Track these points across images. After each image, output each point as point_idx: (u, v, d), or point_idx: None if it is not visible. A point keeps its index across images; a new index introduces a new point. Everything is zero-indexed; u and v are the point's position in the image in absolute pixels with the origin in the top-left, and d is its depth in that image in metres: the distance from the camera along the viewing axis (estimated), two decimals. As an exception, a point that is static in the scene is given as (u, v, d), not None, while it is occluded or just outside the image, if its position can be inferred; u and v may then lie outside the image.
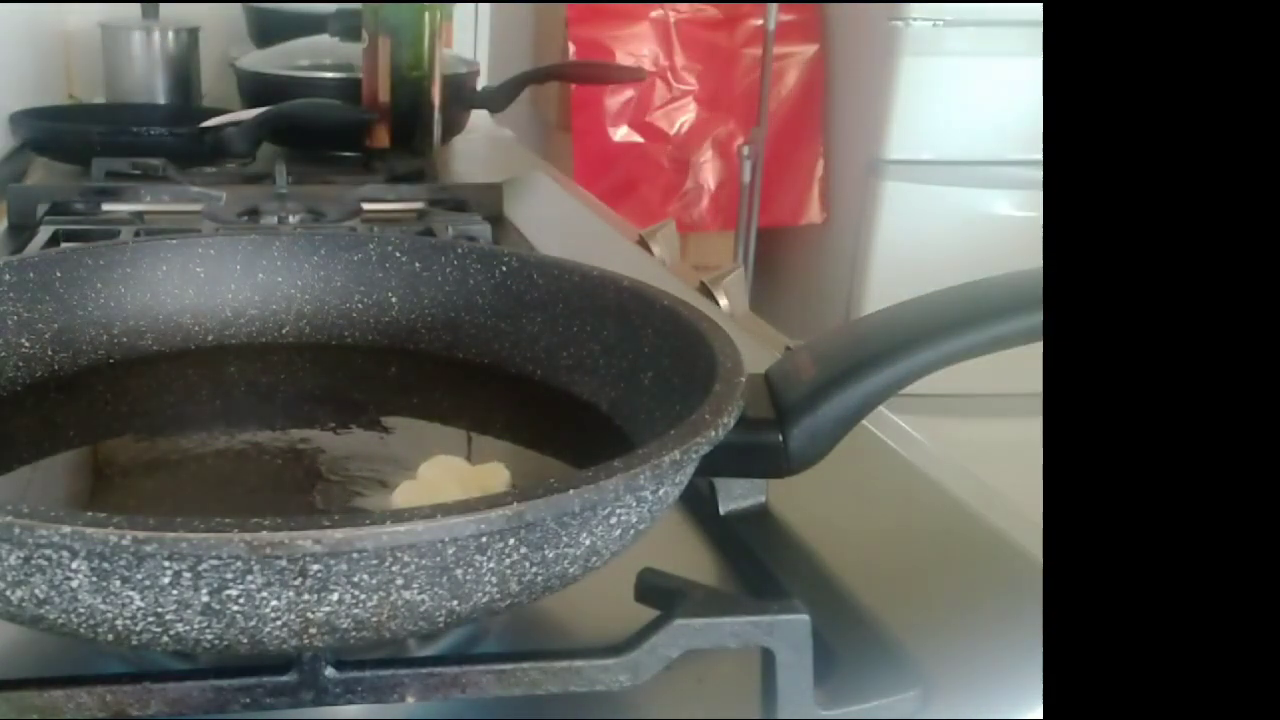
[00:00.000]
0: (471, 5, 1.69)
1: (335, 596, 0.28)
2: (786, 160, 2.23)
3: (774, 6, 2.07)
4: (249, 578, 0.27)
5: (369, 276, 0.51)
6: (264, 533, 0.26)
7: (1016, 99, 1.97)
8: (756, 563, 0.41)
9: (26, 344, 0.46)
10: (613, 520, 0.31)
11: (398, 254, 0.51)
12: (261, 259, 0.51)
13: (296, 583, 0.27)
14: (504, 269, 0.49)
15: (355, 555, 0.27)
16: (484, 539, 0.28)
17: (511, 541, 0.29)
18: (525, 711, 0.33)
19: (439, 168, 1.07)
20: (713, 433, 0.33)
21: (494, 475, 0.39)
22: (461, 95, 1.19)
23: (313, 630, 0.28)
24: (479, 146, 1.27)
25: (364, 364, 0.50)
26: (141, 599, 0.27)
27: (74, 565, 0.27)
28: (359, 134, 1.08)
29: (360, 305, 0.51)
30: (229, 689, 0.29)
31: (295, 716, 0.31)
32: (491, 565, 0.29)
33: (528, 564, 0.30)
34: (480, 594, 0.29)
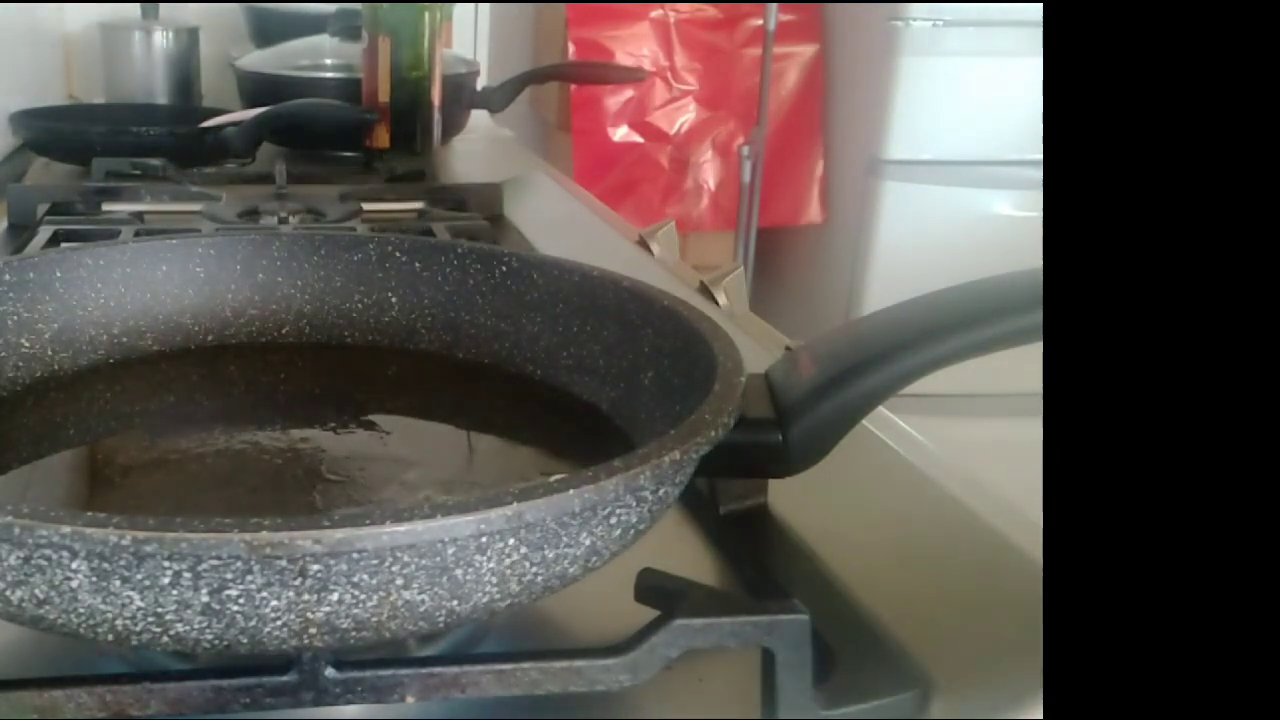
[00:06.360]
0: (471, 5, 1.69)
1: (335, 596, 0.28)
2: (786, 160, 2.23)
3: (774, 6, 2.07)
4: (249, 578, 0.27)
5: (369, 276, 0.51)
6: (264, 533, 0.26)
7: (1016, 99, 1.96)
8: (756, 563, 0.41)
9: (26, 344, 0.46)
10: (613, 520, 0.31)
11: (398, 254, 0.51)
12: (261, 259, 0.51)
13: (296, 583, 0.27)
14: (504, 269, 0.49)
15: (355, 555, 0.27)
16: (484, 539, 0.28)
17: (511, 541, 0.29)
18: (525, 711, 0.33)
19: (439, 168, 1.07)
20: (713, 433, 0.33)
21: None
22: (461, 95, 1.19)
23: (313, 630, 0.28)
24: (479, 146, 1.27)
25: (364, 364, 0.50)
26: (141, 599, 0.27)
27: (74, 565, 0.27)
28: (359, 134, 1.08)
29: (360, 305, 0.51)
30: (229, 689, 0.29)
31: (295, 716, 0.31)
32: (491, 565, 0.29)
33: (528, 564, 0.30)
34: (480, 594, 0.29)
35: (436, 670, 0.30)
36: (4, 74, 1.15)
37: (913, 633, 0.37)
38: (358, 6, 1.11)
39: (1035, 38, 1.79)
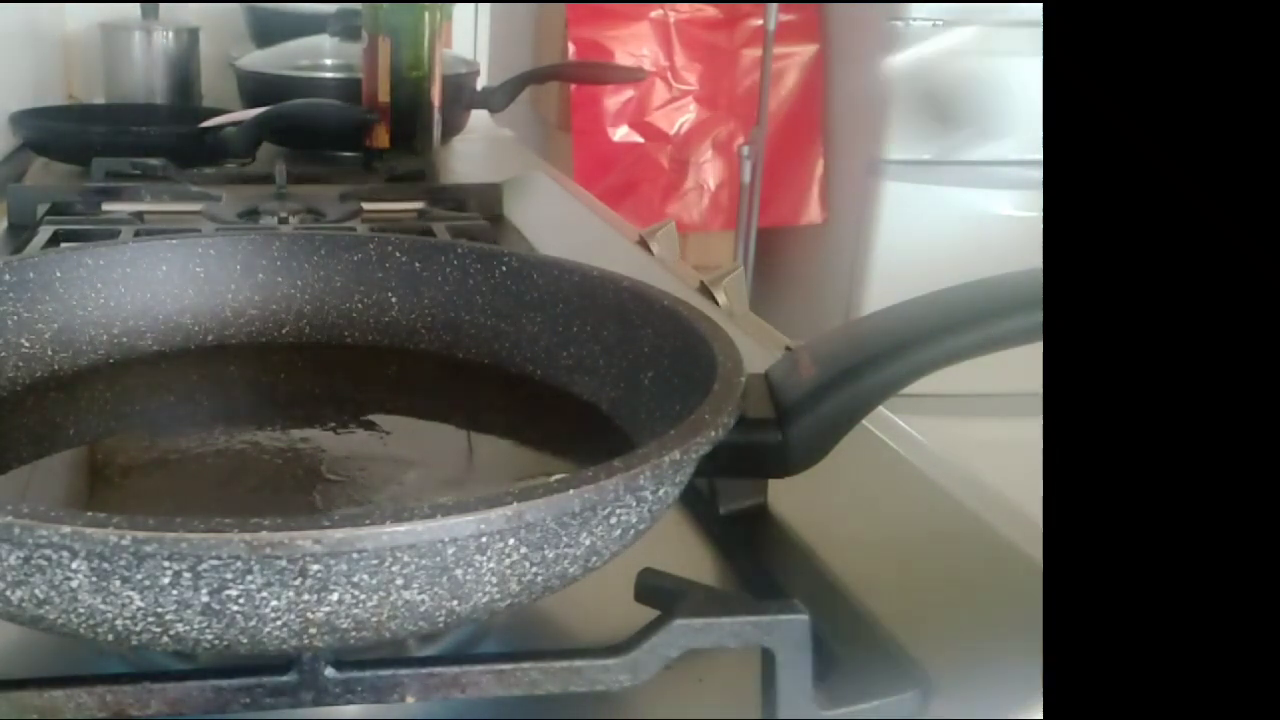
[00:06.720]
0: (471, 5, 1.69)
1: (335, 596, 0.28)
2: (786, 160, 2.22)
3: (774, 6, 2.07)
4: (249, 578, 0.27)
5: (369, 276, 0.51)
6: (264, 533, 0.26)
7: (1016, 99, 1.96)
8: (756, 563, 0.41)
9: (26, 344, 0.46)
10: (613, 520, 0.31)
11: (398, 254, 0.51)
12: (261, 259, 0.51)
13: (296, 583, 0.27)
14: (504, 269, 0.49)
15: (355, 555, 0.27)
16: (484, 539, 0.28)
17: (511, 541, 0.29)
18: (525, 711, 0.33)
19: (439, 168, 1.07)
20: (713, 433, 0.33)
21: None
22: (461, 95, 1.19)
23: (313, 630, 0.28)
24: (479, 146, 1.27)
25: (364, 364, 0.50)
26: (141, 599, 0.27)
27: (74, 565, 0.27)
28: (359, 134, 1.08)
29: (360, 305, 0.51)
30: (229, 689, 0.29)
31: (295, 716, 0.31)
32: (491, 565, 0.29)
33: (528, 564, 0.30)
34: (480, 594, 0.29)
35: (436, 670, 0.30)
36: (4, 74, 1.15)
37: (913, 633, 0.37)
38: (358, 6, 1.11)
39: (1035, 38, 1.80)
